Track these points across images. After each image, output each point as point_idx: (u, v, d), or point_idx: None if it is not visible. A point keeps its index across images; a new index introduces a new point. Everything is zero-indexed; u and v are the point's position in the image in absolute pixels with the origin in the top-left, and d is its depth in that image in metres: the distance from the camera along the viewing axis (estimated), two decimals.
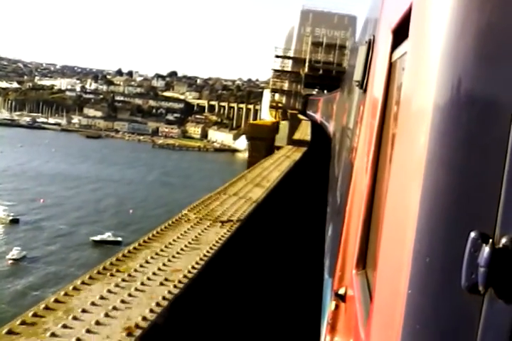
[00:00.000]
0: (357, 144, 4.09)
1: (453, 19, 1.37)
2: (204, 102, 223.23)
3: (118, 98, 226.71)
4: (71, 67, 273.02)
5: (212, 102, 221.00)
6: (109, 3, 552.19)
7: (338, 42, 54.83)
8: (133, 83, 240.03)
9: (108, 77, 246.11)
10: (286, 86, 56.54)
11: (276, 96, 56.65)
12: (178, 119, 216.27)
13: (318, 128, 32.27)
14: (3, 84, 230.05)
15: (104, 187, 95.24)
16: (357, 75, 3.97)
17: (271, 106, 54.21)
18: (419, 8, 1.69)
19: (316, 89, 62.22)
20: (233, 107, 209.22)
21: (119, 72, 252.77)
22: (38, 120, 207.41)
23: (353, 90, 5.75)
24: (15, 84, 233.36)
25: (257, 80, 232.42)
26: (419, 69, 1.57)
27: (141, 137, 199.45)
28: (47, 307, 4.05)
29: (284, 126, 40.90)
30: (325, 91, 49.49)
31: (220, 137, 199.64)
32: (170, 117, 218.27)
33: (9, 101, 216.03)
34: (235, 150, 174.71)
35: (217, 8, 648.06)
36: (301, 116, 49.91)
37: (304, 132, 34.75)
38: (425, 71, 1.48)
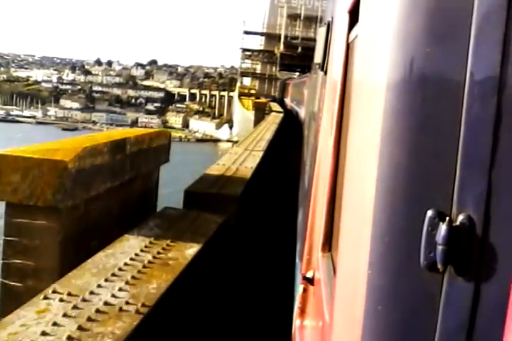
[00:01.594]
0: (320, 127, 4.14)
1: None
2: (185, 91, 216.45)
3: (96, 88, 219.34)
4: (50, 58, 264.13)
5: (193, 90, 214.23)
6: None
7: (319, 14, 42.91)
8: (112, 73, 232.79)
9: (87, 67, 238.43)
10: (258, 69, 48.60)
11: (248, 81, 48.05)
12: (158, 109, 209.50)
13: (293, 126, 24.67)
14: None
15: None
16: (317, 57, 3.96)
17: (241, 94, 45.49)
18: None
19: (298, 73, 53.31)
20: (215, 95, 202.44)
21: (98, 62, 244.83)
22: (12, 113, 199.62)
23: (317, 73, 5.78)
24: None
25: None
26: (371, 50, 1.58)
27: (120, 128, 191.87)
28: None
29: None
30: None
31: (201, 126, 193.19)
32: (150, 107, 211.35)
33: None
34: (217, 140, 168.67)
35: None
36: (275, 106, 41.36)
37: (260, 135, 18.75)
38: (377, 51, 1.50)
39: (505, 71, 1.27)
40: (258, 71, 48.88)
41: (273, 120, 27.70)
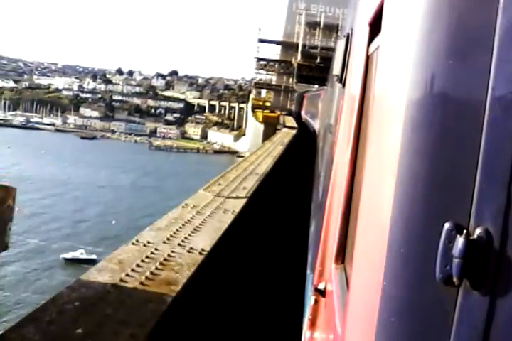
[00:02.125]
0: (337, 139, 4.14)
1: (425, 13, 1.39)
2: (205, 102, 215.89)
3: (116, 97, 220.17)
4: (73, 66, 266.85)
5: (213, 102, 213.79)
6: (115, 3, 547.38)
7: (340, 22, 37.89)
8: (132, 82, 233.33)
9: (108, 76, 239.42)
10: (274, 80, 45.36)
11: (264, 93, 44.60)
12: (177, 119, 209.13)
13: (306, 147, 21.31)
14: (0, 83, 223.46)
15: (89, 193, 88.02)
16: (336, 69, 3.98)
17: (254, 107, 42.72)
18: (391, 3, 1.72)
19: (316, 86, 50.33)
20: (234, 107, 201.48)
21: (119, 71, 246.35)
22: (31, 120, 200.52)
23: (335, 85, 5.78)
24: (11, 83, 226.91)
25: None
26: (392, 63, 1.59)
27: (138, 138, 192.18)
28: None
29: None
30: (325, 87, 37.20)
31: (220, 138, 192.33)
32: (169, 117, 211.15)
33: (3, 101, 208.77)
34: (234, 152, 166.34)
35: (221, 6, 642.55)
36: (289, 121, 37.54)
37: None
38: (398, 65, 1.51)
39: None
40: (273, 82, 45.16)
41: (281, 139, 23.15)
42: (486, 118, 1.28)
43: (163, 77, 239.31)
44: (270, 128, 35.82)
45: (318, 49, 38.65)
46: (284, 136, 24.77)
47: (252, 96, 42.71)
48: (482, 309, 1.28)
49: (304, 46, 40.51)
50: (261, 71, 44.69)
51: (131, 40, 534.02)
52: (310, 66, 37.84)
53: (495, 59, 1.28)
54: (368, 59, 2.54)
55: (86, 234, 63.50)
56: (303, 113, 38.07)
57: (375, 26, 2.14)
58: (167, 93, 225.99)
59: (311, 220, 7.72)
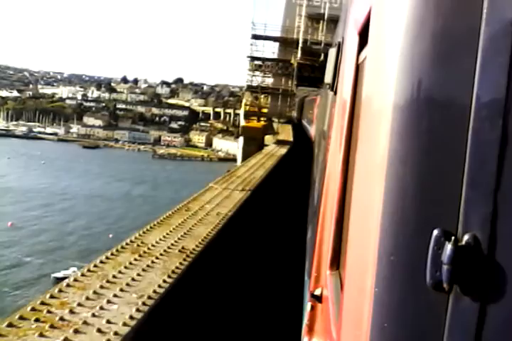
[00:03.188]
0: (329, 147, 4.19)
1: (410, 20, 1.41)
2: (209, 109, 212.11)
3: (120, 106, 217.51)
4: (79, 75, 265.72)
5: (218, 109, 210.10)
6: (122, 12, 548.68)
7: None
8: (137, 90, 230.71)
9: (113, 84, 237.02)
10: (270, 82, 39.25)
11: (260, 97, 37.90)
12: (181, 127, 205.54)
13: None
14: (4, 93, 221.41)
15: (89, 204, 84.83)
16: (327, 77, 4.05)
17: (247, 114, 35.40)
18: (376, 12, 1.75)
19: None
20: (239, 114, 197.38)
21: (124, 80, 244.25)
22: (34, 130, 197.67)
23: (327, 92, 5.80)
24: (15, 93, 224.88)
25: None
26: (379, 72, 1.61)
27: (142, 146, 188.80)
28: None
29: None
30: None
31: (225, 145, 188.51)
32: (173, 125, 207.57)
33: (6, 111, 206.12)
34: None
35: (226, 14, 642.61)
36: (284, 131, 30.10)
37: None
38: (384, 73, 1.53)
39: (510, 94, 1.29)
40: (270, 85, 38.93)
41: (257, 164, 14.35)
42: (471, 127, 1.29)
43: (168, 84, 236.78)
44: (253, 144, 28.18)
45: (322, 45, 31.83)
46: (263, 160, 15.80)
47: (245, 101, 36.54)
48: (473, 314, 1.29)
49: (305, 42, 34.04)
50: (256, 73, 38.21)
51: (138, 49, 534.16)
52: (312, 66, 31.65)
53: (479, 67, 1.29)
54: (357, 67, 2.54)
55: (73, 248, 59.80)
56: (304, 121, 31.82)
57: (365, 36, 2.11)
58: (172, 101, 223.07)
59: (307, 226, 7.68)
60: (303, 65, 32.45)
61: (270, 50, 36.76)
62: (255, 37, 36.62)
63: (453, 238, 1.28)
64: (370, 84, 1.77)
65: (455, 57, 1.32)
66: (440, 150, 1.33)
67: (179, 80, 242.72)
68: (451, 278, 1.28)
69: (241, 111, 39.62)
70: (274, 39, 37.75)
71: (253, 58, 36.95)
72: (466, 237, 1.29)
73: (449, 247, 1.27)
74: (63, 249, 60.10)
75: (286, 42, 36.56)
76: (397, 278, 1.37)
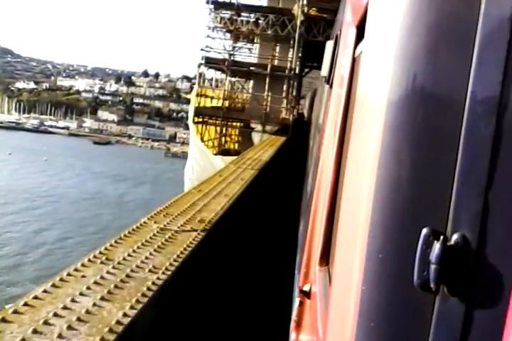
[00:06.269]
0: (323, 140, 4.16)
1: (405, 14, 1.41)
2: None
3: (137, 100, 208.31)
4: (102, 68, 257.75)
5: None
6: (153, 8, 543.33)
7: None
8: (156, 84, 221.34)
9: (133, 78, 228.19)
10: (254, 54, 21.45)
11: (227, 83, 18.10)
12: None
13: None
14: (21, 85, 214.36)
15: (74, 209, 75.83)
16: (324, 70, 3.99)
17: (198, 113, 19.51)
18: (374, 4, 1.75)
19: None
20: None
21: (145, 73, 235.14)
22: (45, 123, 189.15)
23: (324, 85, 5.84)
24: (32, 85, 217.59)
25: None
26: (374, 65, 1.60)
27: (156, 143, 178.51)
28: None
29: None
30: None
31: None
32: None
33: (20, 103, 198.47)
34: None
35: None
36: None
37: None
38: (379, 67, 1.52)
39: (505, 91, 1.28)
40: (251, 59, 21.22)
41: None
42: (465, 123, 1.29)
43: (188, 79, 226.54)
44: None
45: None
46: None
47: (197, 89, 21.86)
48: (459, 315, 1.29)
49: None
50: (220, 34, 19.42)
51: (162, 43, 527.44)
52: (329, 21, 15.68)
53: (475, 62, 1.29)
54: (354, 61, 2.52)
55: (35, 265, 49.63)
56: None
57: (362, 29, 2.09)
58: (191, 96, 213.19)
59: (300, 221, 7.60)
60: (316, 21, 16.46)
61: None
62: None
63: (442, 237, 1.27)
64: (366, 78, 1.74)
65: (451, 52, 1.30)
66: (432, 147, 1.30)
67: (201, 75, 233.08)
68: (438, 278, 1.26)
69: (190, 108, 24.00)
70: None
71: (217, 5, 18.89)
72: (455, 237, 1.27)
73: (437, 247, 1.26)
74: (25, 266, 49.95)
75: None
76: (384, 277, 1.35)
